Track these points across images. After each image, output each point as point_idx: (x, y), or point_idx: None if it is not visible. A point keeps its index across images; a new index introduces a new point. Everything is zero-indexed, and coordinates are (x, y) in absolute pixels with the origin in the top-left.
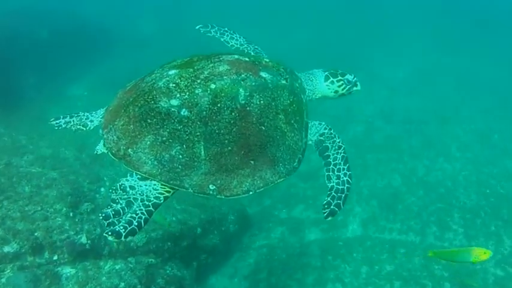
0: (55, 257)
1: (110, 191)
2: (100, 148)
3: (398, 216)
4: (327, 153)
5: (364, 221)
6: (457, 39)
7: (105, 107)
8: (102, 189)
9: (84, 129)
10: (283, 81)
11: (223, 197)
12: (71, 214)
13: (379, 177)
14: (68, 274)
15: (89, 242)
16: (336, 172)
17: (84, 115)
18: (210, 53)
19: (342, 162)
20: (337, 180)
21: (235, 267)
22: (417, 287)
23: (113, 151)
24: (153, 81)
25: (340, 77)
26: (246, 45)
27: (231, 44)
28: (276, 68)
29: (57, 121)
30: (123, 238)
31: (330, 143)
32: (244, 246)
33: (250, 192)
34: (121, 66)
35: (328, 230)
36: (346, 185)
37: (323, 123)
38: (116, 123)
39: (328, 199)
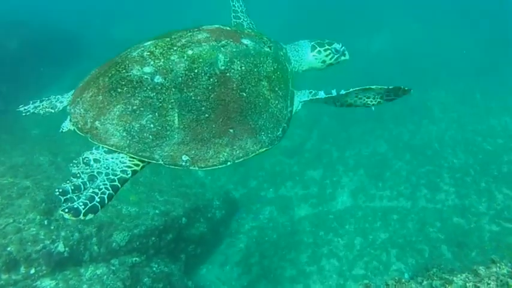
0: (32, 271)
1: (71, 165)
2: (66, 125)
3: (387, 183)
4: (346, 98)
5: (353, 192)
6: (431, 10)
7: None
8: None
9: (53, 111)
10: (267, 49)
11: (197, 168)
12: (46, 222)
13: (364, 146)
14: (48, 287)
15: (67, 249)
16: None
17: (54, 98)
18: (191, 27)
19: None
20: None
21: (225, 254)
22: (414, 252)
23: (79, 125)
24: (127, 52)
25: (327, 46)
26: (248, 20)
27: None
28: (258, 37)
29: (26, 107)
30: (81, 216)
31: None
32: (233, 231)
33: (228, 163)
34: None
35: (317, 204)
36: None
37: (306, 91)
38: (84, 95)
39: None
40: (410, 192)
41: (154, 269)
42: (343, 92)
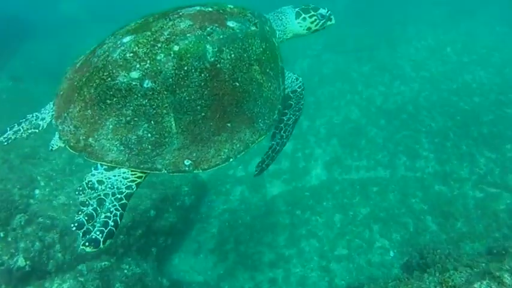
0: None
1: (77, 192)
2: (55, 143)
3: (363, 152)
4: (285, 111)
5: (327, 164)
6: None
7: (56, 94)
8: (37, 191)
9: (37, 130)
10: (253, 28)
11: (200, 170)
12: (2, 234)
13: (335, 113)
14: None
15: (28, 263)
16: (281, 132)
17: (33, 116)
18: (167, 9)
19: (292, 124)
20: (278, 140)
21: (198, 242)
22: (398, 226)
23: (71, 143)
24: (106, 53)
25: (312, 12)
26: None
27: None
28: (242, 14)
29: (4, 135)
30: (101, 245)
31: (294, 102)
32: (204, 216)
33: (231, 159)
34: (46, 50)
35: (290, 180)
36: (282, 147)
37: (300, 79)
38: (70, 110)
39: (264, 157)
40: (388, 160)
41: (125, 271)
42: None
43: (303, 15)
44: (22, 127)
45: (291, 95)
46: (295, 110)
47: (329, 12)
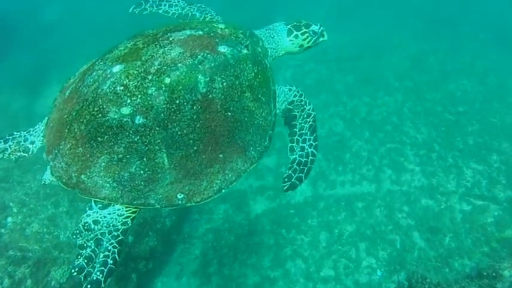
0: None
1: (73, 236)
2: (48, 177)
3: (348, 166)
4: (294, 123)
5: (312, 179)
6: None
7: (44, 121)
8: (9, 219)
9: (27, 154)
10: (245, 51)
11: (193, 203)
12: None
13: (319, 125)
14: None
15: None
16: (300, 143)
17: (20, 136)
18: (156, 31)
19: (309, 132)
20: (300, 152)
21: (180, 264)
22: (385, 244)
23: (64, 180)
24: (96, 83)
25: (304, 29)
26: (188, 8)
27: (171, 12)
28: (234, 36)
29: None
30: (103, 285)
31: (298, 112)
32: (186, 237)
33: (223, 190)
34: (25, 60)
35: (274, 196)
36: (310, 157)
37: (293, 88)
38: (61, 147)
39: (290, 172)
40: (373, 174)
41: None
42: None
43: (295, 33)
44: (9, 146)
45: (290, 107)
46: (304, 117)
47: (321, 28)
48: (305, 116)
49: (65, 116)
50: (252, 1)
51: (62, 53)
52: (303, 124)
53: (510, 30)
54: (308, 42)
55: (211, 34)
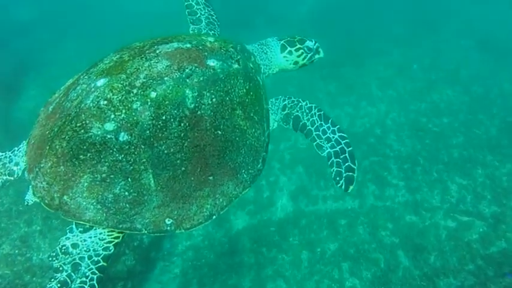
0: None
1: (50, 258)
2: (30, 198)
3: (330, 181)
4: (302, 123)
5: (293, 194)
6: None
7: (27, 141)
8: None
9: (12, 178)
10: (235, 66)
11: (183, 230)
12: None
13: (300, 137)
14: None
15: None
16: (322, 136)
17: (6, 157)
18: (143, 43)
19: (323, 122)
20: (330, 144)
21: (160, 283)
22: (368, 263)
23: (46, 201)
24: (79, 97)
25: (298, 45)
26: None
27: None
28: (224, 49)
29: None
30: None
31: (298, 111)
32: (166, 254)
33: (214, 216)
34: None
35: (255, 212)
36: (343, 142)
37: (280, 97)
38: (42, 165)
39: (335, 169)
40: (356, 189)
41: None
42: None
43: (289, 49)
44: None
45: (286, 111)
46: (307, 112)
47: (316, 44)
48: (307, 110)
49: (47, 132)
50: (230, 2)
51: (38, 54)
52: (311, 118)
53: (492, 36)
54: (303, 59)
55: (200, 47)
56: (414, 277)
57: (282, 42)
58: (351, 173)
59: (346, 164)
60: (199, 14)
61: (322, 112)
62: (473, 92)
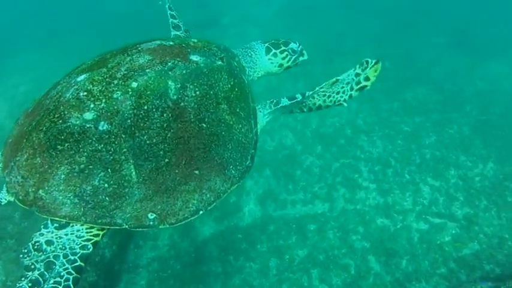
0: None
1: (21, 255)
2: (3, 196)
3: (299, 184)
4: (295, 100)
5: (260, 198)
6: None
7: (5, 142)
8: None
9: None
10: (219, 62)
11: (167, 225)
12: None
13: (268, 138)
14: None
15: None
16: (343, 86)
17: None
18: (126, 45)
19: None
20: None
21: None
22: (338, 269)
23: (20, 197)
24: (59, 93)
25: (283, 47)
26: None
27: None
28: (207, 48)
29: None
30: None
31: (285, 98)
32: (131, 266)
33: (200, 212)
34: None
35: (222, 218)
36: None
37: (267, 102)
38: (17, 159)
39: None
40: (326, 192)
41: None
42: (308, 93)
43: (274, 51)
44: None
45: (273, 107)
46: (294, 105)
47: (301, 46)
48: (294, 104)
49: (25, 128)
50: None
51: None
52: (310, 93)
53: (465, 33)
54: (288, 62)
55: (183, 45)
56: (385, 283)
57: (266, 44)
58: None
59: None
60: (178, 20)
61: (314, 89)
62: (446, 90)
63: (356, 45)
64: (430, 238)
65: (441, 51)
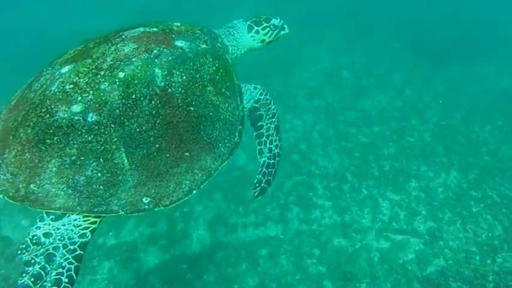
0: None
1: (19, 251)
2: None
3: (250, 206)
4: (260, 123)
5: (210, 223)
6: None
7: None
8: None
9: None
10: (203, 45)
11: (162, 207)
12: None
13: None
14: None
15: None
16: (268, 144)
17: None
18: (108, 33)
19: (275, 133)
20: (269, 154)
21: None
22: None
23: (10, 193)
24: (44, 86)
25: (265, 24)
26: None
27: None
28: (191, 32)
29: None
30: None
31: (264, 111)
32: None
33: (194, 191)
34: None
35: (168, 246)
36: (277, 159)
37: (258, 86)
38: (5, 156)
39: (260, 176)
40: (278, 213)
41: None
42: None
43: (256, 28)
44: None
45: (256, 105)
46: (270, 117)
47: (282, 21)
48: (270, 115)
49: (10, 124)
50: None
51: None
52: (269, 124)
53: (424, 37)
54: (270, 37)
55: (167, 30)
56: None
57: (248, 22)
58: (267, 186)
59: (269, 178)
60: None
61: (278, 124)
62: (406, 96)
63: (315, 54)
64: (391, 257)
65: (401, 56)
